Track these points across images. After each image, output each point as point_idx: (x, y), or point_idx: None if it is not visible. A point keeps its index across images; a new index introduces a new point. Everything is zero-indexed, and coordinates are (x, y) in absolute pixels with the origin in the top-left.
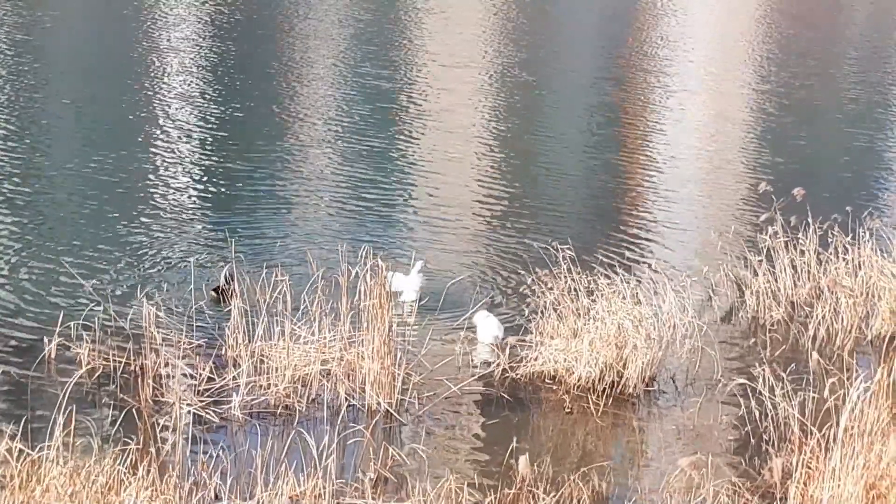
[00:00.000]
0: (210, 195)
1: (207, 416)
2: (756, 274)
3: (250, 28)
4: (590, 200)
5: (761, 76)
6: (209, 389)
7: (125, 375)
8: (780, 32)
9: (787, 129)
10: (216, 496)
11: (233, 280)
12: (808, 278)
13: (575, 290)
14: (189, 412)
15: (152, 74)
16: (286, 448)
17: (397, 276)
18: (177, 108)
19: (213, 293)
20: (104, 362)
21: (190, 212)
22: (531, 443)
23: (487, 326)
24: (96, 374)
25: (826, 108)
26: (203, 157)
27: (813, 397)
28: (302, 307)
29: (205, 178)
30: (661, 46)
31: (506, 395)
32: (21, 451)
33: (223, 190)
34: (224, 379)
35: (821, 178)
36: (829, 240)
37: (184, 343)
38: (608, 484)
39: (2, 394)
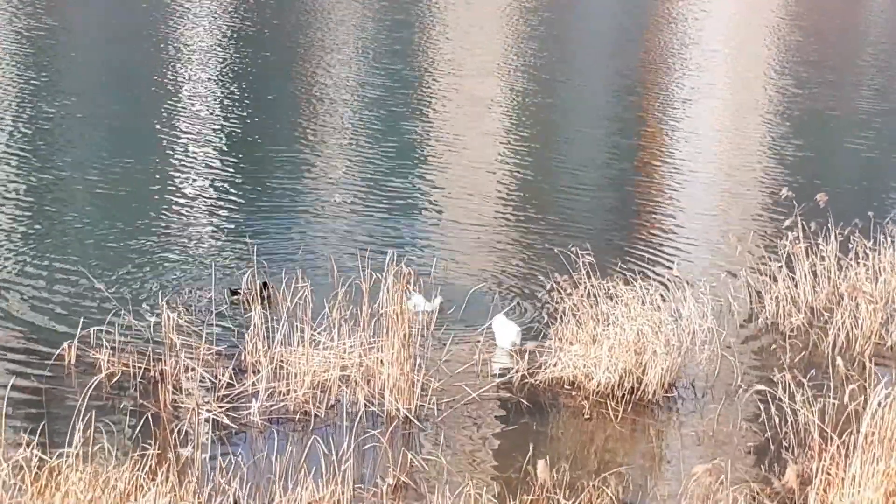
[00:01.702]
0: (230, 202)
1: (227, 421)
2: (776, 280)
3: (264, 38)
4: (609, 206)
5: (781, 84)
6: (228, 395)
7: (144, 381)
8: (796, 41)
9: (807, 136)
10: (235, 502)
11: (266, 287)
12: (829, 284)
13: (594, 295)
14: (208, 418)
15: (169, 82)
16: (305, 454)
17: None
18: (195, 115)
19: (230, 293)
20: (123, 368)
21: (210, 218)
22: (550, 448)
23: (506, 332)
24: (115, 380)
25: (846, 115)
26: (223, 163)
27: (833, 403)
28: (322, 313)
29: (225, 185)
30: (677, 55)
31: (525, 401)
32: (41, 457)
33: (243, 196)
34: (243, 385)
35: (842, 184)
36: (850, 245)
37: (203, 349)
38: (627, 489)
39: (21, 400)
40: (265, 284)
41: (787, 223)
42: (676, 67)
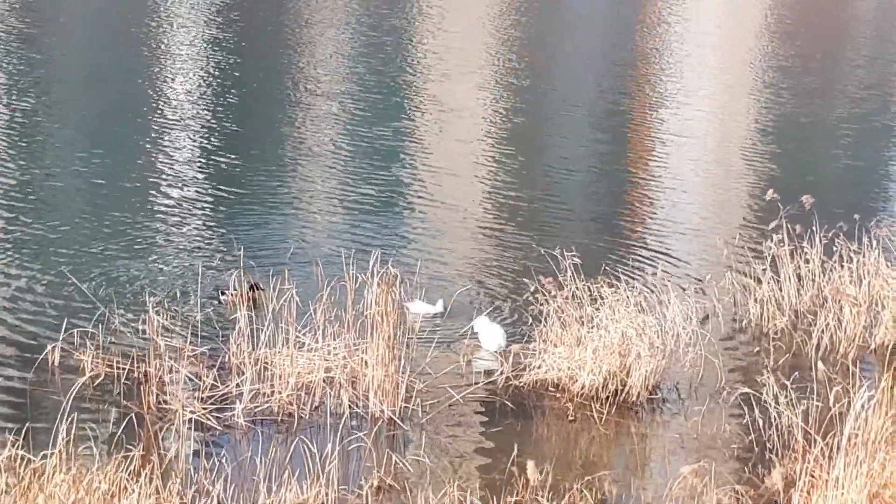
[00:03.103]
0: (215, 202)
1: (210, 423)
2: (760, 282)
3: (255, 37)
4: (595, 208)
5: (767, 85)
6: (212, 396)
7: (128, 382)
8: (785, 43)
9: (794, 139)
10: (219, 503)
11: (256, 288)
12: (813, 287)
13: (579, 298)
14: (192, 419)
15: (157, 83)
16: (289, 455)
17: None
18: (182, 116)
19: (220, 293)
20: (107, 369)
21: (196, 219)
22: (534, 451)
23: (490, 334)
24: (99, 381)
25: (833, 117)
26: (209, 164)
27: (817, 406)
28: (307, 314)
29: (211, 186)
30: (666, 56)
31: (509, 403)
32: (24, 458)
33: (229, 197)
34: (227, 386)
35: (828, 186)
36: (834, 248)
37: (188, 350)
38: (611, 492)
39: (4, 400)
40: (254, 287)
41: (772, 226)
42: (661, 71)
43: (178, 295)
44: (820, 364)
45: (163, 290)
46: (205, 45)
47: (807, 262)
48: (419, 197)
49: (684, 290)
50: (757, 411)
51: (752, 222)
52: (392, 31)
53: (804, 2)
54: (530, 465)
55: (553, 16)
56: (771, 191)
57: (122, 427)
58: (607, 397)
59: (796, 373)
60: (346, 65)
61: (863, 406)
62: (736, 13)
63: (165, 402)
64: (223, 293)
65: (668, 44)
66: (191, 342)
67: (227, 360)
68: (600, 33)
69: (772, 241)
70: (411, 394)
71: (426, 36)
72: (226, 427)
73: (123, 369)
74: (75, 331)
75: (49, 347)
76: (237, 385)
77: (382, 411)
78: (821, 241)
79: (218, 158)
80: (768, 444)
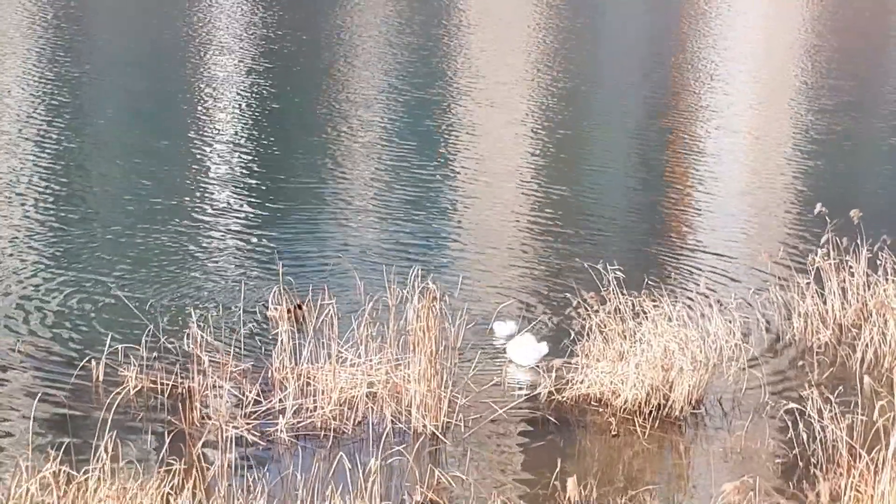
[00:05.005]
0: (256, 218)
1: (253, 438)
2: (804, 296)
3: (294, 47)
4: (637, 221)
5: (811, 96)
6: (255, 412)
7: (171, 398)
8: (827, 53)
9: (835, 152)
10: None
11: (300, 308)
12: (857, 300)
13: (621, 312)
14: (235, 434)
15: (192, 99)
16: (332, 470)
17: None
18: (222, 128)
19: (266, 311)
20: (151, 384)
21: (237, 234)
22: (577, 466)
23: (521, 351)
24: (143, 397)
25: (875, 130)
26: (250, 178)
27: (861, 420)
28: (349, 329)
29: (250, 202)
30: (706, 66)
31: (552, 418)
32: (66, 473)
33: (269, 212)
34: (270, 401)
35: (872, 200)
36: (879, 262)
37: (231, 365)
38: None
39: (48, 416)
40: (299, 306)
41: (822, 240)
42: (704, 82)
43: (221, 310)
44: (865, 378)
45: (206, 306)
46: (238, 62)
47: (851, 275)
48: (459, 211)
49: (727, 303)
50: (801, 426)
51: (795, 236)
52: (426, 46)
53: (844, 13)
54: (570, 481)
55: (586, 27)
56: (819, 205)
57: (164, 442)
58: (650, 412)
59: (840, 387)
60: (380, 80)
61: None
62: (775, 24)
63: (208, 417)
64: (266, 308)
65: (706, 56)
66: (234, 357)
67: (269, 375)
68: (637, 45)
69: (816, 254)
70: (454, 409)
71: (465, 54)
72: (268, 442)
73: (166, 384)
74: (119, 346)
75: (93, 362)
76: (280, 400)
77: (425, 426)
78: (865, 254)
79: (256, 174)
80: (812, 459)
